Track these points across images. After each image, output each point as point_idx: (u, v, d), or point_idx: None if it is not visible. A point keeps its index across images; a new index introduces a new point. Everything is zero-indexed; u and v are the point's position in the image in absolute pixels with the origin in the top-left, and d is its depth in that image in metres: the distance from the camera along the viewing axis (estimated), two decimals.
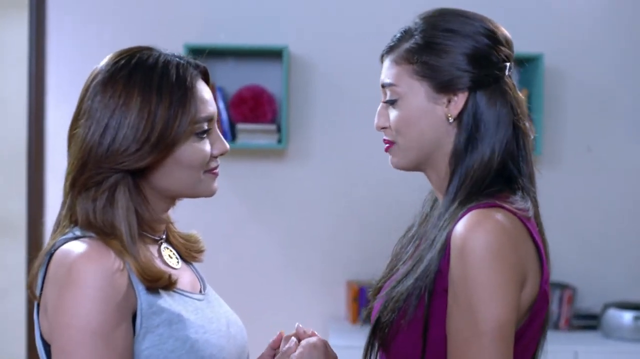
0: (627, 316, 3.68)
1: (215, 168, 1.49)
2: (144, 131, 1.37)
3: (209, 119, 1.45)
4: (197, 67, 1.47)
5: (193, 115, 1.41)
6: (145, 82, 1.39)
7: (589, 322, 3.81)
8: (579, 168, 3.92)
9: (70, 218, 1.41)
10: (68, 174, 1.41)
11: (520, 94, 1.51)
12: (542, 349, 1.49)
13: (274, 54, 3.83)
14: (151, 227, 1.46)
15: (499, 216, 1.37)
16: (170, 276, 1.40)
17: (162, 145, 1.38)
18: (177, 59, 1.45)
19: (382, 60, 1.54)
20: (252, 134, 3.69)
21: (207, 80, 1.49)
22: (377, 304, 1.52)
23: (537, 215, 1.48)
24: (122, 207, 1.38)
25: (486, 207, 1.39)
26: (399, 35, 1.52)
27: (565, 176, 3.95)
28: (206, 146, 1.45)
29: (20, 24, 4.41)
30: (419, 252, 1.46)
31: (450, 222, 1.41)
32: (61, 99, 3.83)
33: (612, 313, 3.72)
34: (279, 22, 3.88)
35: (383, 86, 1.52)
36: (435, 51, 1.46)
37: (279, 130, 3.79)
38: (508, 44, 1.50)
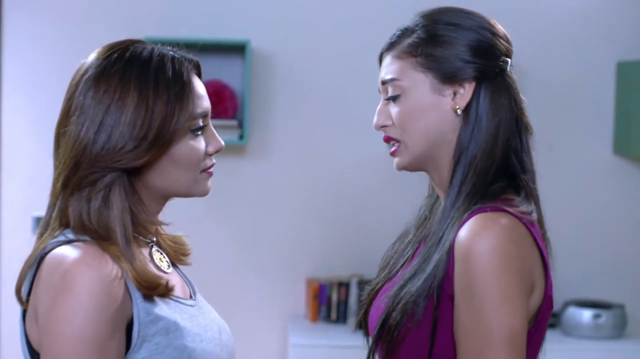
0: (587, 314, 3.70)
1: (211, 167, 1.42)
2: (141, 128, 1.30)
3: (204, 115, 1.39)
4: (190, 61, 1.41)
5: (191, 111, 1.35)
6: (141, 76, 1.32)
7: (549, 320, 3.82)
8: (540, 166, 3.90)
9: (61, 220, 1.33)
10: (59, 174, 1.32)
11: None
12: (542, 351, 1.47)
13: (236, 49, 3.79)
14: (145, 229, 1.39)
15: (503, 221, 1.34)
16: (167, 282, 1.33)
17: (160, 142, 1.31)
18: (171, 52, 1.39)
19: (380, 59, 1.51)
20: None
21: (199, 74, 1.43)
22: (377, 307, 1.47)
23: (540, 217, 1.46)
24: (118, 208, 1.31)
25: (491, 211, 1.36)
26: (398, 32, 1.49)
27: None
28: (201, 144, 1.39)
29: None
30: (425, 251, 1.42)
31: (456, 221, 1.37)
32: (16, 92, 3.74)
33: (572, 310, 3.73)
34: (241, 16, 3.84)
35: (383, 83, 1.48)
36: (439, 43, 1.44)
37: (240, 126, 3.75)
38: (507, 39, 1.50)
